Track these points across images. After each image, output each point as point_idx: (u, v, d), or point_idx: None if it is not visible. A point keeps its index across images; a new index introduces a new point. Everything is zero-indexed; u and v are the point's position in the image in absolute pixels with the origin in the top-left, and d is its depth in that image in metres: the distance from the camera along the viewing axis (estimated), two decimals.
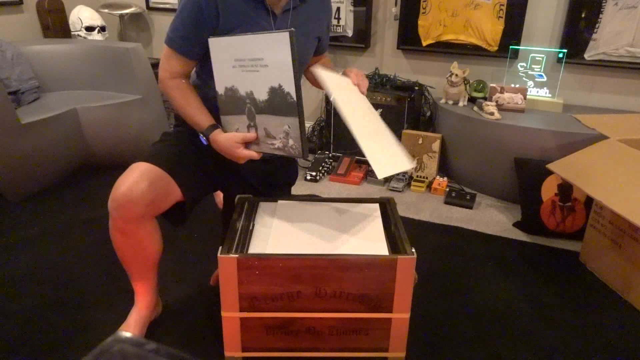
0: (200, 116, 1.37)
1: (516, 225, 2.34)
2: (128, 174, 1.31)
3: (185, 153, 1.44)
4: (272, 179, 1.62)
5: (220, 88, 1.35)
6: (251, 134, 1.33)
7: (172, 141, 1.47)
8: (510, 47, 2.72)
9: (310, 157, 2.99)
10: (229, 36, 1.29)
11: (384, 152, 1.33)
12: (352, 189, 2.70)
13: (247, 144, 1.34)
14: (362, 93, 1.44)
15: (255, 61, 1.25)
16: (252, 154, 1.33)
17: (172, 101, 1.41)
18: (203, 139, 1.38)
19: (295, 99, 1.23)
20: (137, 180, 1.29)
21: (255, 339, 1.36)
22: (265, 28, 1.36)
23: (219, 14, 1.31)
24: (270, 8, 1.35)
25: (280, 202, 1.55)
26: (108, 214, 1.34)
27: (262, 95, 1.27)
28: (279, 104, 1.25)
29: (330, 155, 3.01)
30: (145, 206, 1.30)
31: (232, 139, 1.32)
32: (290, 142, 1.29)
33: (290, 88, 1.22)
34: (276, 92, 1.25)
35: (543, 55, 2.69)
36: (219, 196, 1.97)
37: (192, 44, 1.35)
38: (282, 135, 1.29)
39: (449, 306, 1.75)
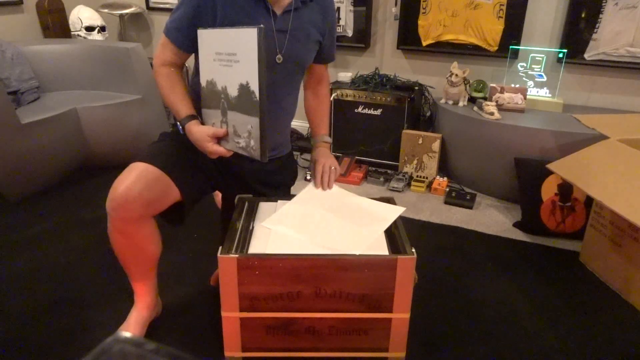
0: (180, 105, 1.38)
1: (516, 225, 2.34)
2: (126, 174, 1.31)
3: (183, 153, 1.44)
4: (271, 179, 1.62)
5: (203, 80, 1.35)
6: (221, 130, 1.32)
7: (170, 141, 1.47)
8: (510, 47, 2.72)
9: None
10: (213, 28, 1.28)
11: (372, 225, 1.40)
12: (352, 189, 2.69)
13: (218, 140, 1.34)
14: (329, 188, 1.50)
15: (230, 56, 1.23)
16: (220, 150, 1.32)
17: (159, 88, 1.43)
18: (180, 128, 1.39)
19: (257, 97, 1.19)
20: (135, 180, 1.29)
21: (255, 339, 1.36)
22: (264, 27, 1.36)
23: (216, 9, 1.31)
24: (270, 7, 1.35)
25: (280, 202, 1.55)
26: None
27: (233, 91, 1.26)
28: (246, 102, 1.23)
29: None
30: (143, 206, 1.30)
31: (204, 132, 1.32)
32: (252, 142, 1.26)
33: (254, 86, 1.19)
34: (244, 90, 1.22)
35: (543, 55, 2.69)
36: (219, 196, 1.97)
37: (187, 37, 1.36)
38: (245, 134, 1.27)
39: (449, 306, 1.75)
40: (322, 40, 1.52)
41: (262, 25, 1.15)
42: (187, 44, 1.38)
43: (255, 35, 1.14)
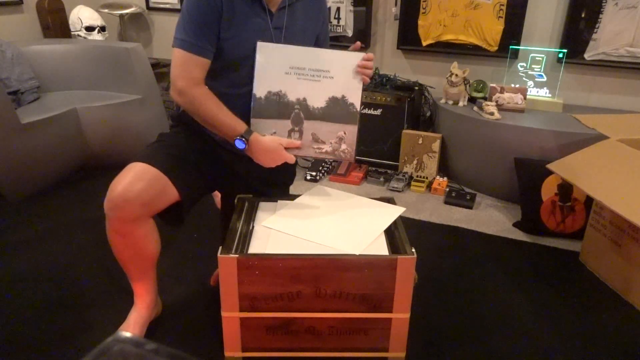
0: (234, 121, 1.35)
1: (516, 225, 2.34)
2: (124, 174, 1.31)
3: (181, 153, 1.43)
4: (270, 179, 1.62)
5: (260, 91, 1.38)
6: (297, 142, 1.41)
7: (168, 141, 1.47)
8: (510, 47, 2.72)
9: None
10: (287, 44, 1.35)
11: (374, 223, 1.43)
12: (352, 189, 2.70)
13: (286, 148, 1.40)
14: (365, 80, 1.42)
15: (319, 72, 1.35)
16: (292, 157, 1.40)
17: (200, 112, 1.36)
18: (241, 142, 1.35)
19: (357, 109, 1.39)
20: (133, 180, 1.29)
21: (255, 339, 1.36)
22: (262, 25, 1.38)
23: (222, 11, 1.32)
24: (266, 5, 1.37)
25: (280, 202, 1.55)
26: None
27: (318, 102, 1.39)
28: (338, 112, 1.40)
29: None
30: (141, 206, 1.30)
31: (277, 141, 1.37)
32: (343, 146, 1.43)
33: (355, 100, 1.39)
34: (337, 102, 1.39)
35: (543, 55, 2.69)
36: (219, 196, 1.97)
37: (208, 43, 1.34)
38: (334, 140, 1.42)
39: (449, 306, 1.75)
40: (319, 34, 1.54)
41: (371, 54, 1.34)
42: (211, 50, 1.35)
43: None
